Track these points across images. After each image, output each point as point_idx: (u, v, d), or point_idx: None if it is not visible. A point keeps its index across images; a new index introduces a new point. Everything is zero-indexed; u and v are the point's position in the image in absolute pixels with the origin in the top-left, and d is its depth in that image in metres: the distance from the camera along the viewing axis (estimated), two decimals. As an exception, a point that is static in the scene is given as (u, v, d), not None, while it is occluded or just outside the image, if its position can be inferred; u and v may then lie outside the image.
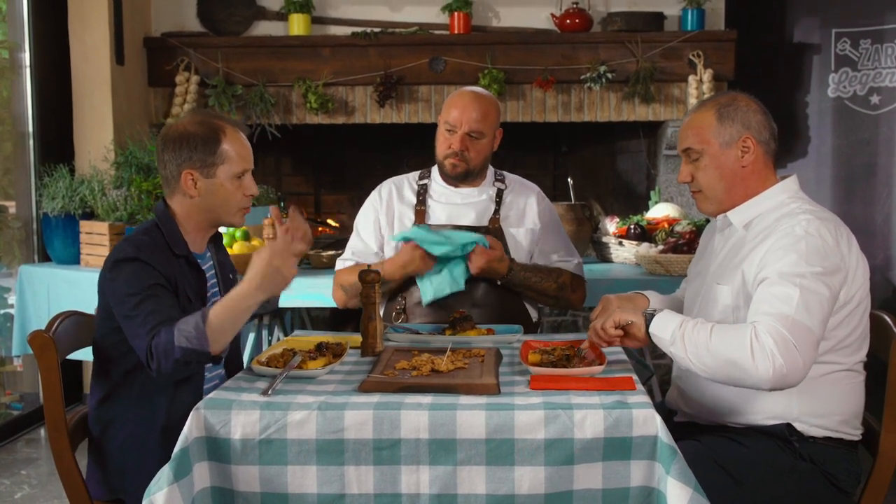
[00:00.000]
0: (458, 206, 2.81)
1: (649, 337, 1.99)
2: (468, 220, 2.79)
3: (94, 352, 2.20)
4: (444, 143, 2.77)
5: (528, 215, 2.84)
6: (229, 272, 2.38)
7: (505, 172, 2.92)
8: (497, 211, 2.81)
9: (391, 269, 2.67)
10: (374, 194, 2.91)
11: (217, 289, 2.31)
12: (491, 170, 2.89)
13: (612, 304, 2.20)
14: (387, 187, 2.90)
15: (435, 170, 2.88)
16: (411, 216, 2.82)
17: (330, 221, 5.12)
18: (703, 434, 2.04)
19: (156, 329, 1.96)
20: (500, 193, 2.84)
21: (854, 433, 2.07)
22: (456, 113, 2.73)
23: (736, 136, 2.09)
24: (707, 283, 2.18)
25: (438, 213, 2.81)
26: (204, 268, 2.26)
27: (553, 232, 2.88)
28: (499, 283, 2.72)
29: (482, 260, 2.62)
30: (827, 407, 2.01)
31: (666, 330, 1.94)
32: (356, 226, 2.91)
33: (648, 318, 1.99)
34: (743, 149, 2.09)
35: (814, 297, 1.88)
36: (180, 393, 2.09)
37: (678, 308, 2.41)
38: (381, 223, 2.85)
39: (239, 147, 2.19)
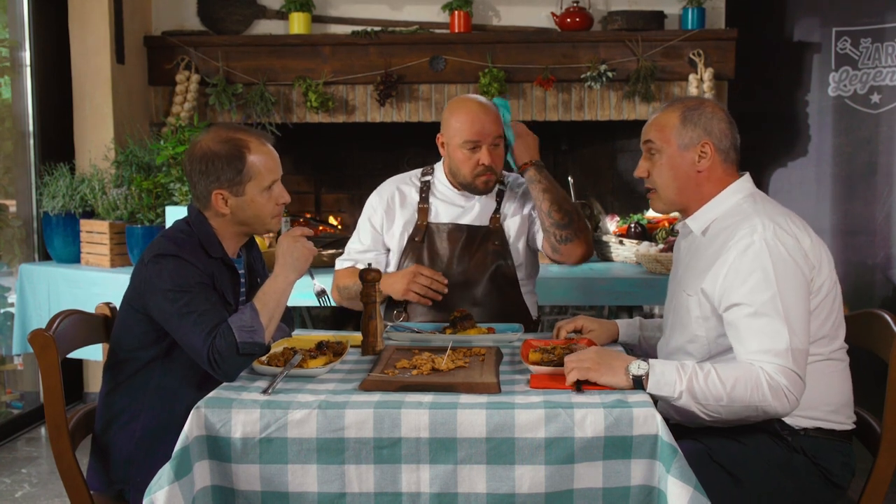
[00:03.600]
0: (461, 207, 2.80)
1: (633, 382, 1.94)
2: (470, 219, 2.79)
3: (113, 341, 2.22)
4: (471, 162, 2.69)
5: (525, 205, 2.83)
6: (258, 275, 2.39)
7: (504, 172, 2.92)
8: (497, 210, 2.81)
9: (391, 285, 2.69)
10: (374, 196, 2.90)
11: (244, 290, 2.32)
12: None
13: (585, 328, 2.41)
14: (388, 188, 2.89)
15: (438, 167, 2.87)
16: (413, 216, 2.82)
17: (331, 220, 5.12)
18: (699, 433, 2.04)
19: (213, 332, 1.99)
20: (500, 193, 2.84)
21: (846, 422, 2.07)
22: (476, 128, 2.66)
23: (696, 140, 2.11)
24: (678, 291, 2.19)
25: (441, 211, 2.81)
26: (239, 272, 2.29)
27: None
28: (528, 167, 2.71)
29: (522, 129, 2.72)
30: (812, 398, 2.01)
31: (669, 387, 1.91)
32: (357, 226, 2.91)
33: (637, 380, 1.91)
34: (700, 154, 2.11)
35: (794, 314, 1.92)
36: (207, 384, 2.08)
37: (649, 332, 2.46)
38: (381, 224, 2.85)
39: (265, 159, 2.19)
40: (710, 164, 2.12)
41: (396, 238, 2.81)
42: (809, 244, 2.02)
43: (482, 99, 2.77)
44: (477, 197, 2.80)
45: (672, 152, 2.13)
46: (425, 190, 2.84)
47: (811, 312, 2.00)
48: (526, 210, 2.83)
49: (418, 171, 2.91)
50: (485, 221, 2.79)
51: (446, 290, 2.68)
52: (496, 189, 2.83)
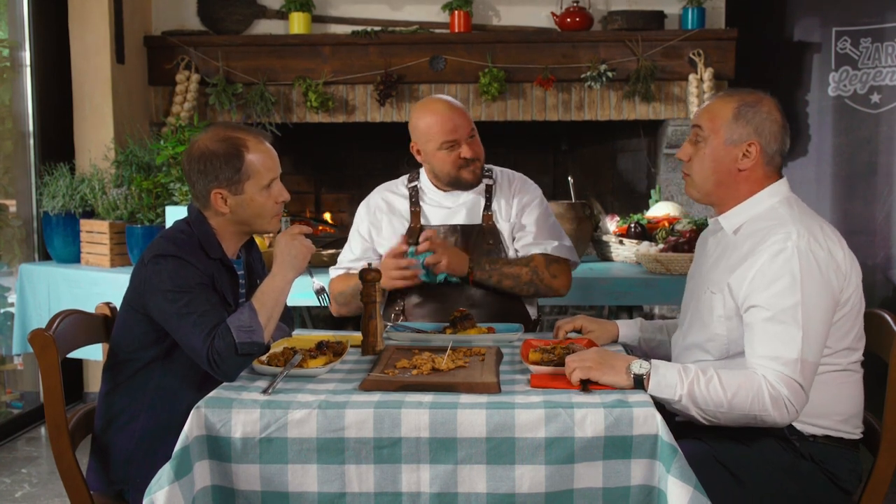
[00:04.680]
0: (449, 209, 2.81)
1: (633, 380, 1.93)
2: (461, 218, 2.79)
3: (113, 342, 2.22)
4: (452, 158, 2.70)
5: (513, 207, 2.82)
6: (257, 276, 2.38)
7: (492, 166, 2.89)
8: (488, 207, 2.81)
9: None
10: (361, 206, 2.92)
11: (244, 291, 2.32)
12: None
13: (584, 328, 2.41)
14: (375, 198, 2.90)
15: (422, 172, 2.87)
16: (403, 222, 2.82)
17: (327, 217, 5.12)
18: (705, 433, 2.04)
19: (212, 333, 1.99)
20: (489, 189, 2.83)
21: (854, 432, 2.07)
22: (449, 126, 2.67)
23: (744, 138, 2.08)
24: (701, 288, 2.18)
25: (432, 214, 2.81)
26: (238, 273, 2.28)
27: (530, 214, 2.82)
28: (471, 282, 2.68)
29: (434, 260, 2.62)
30: (825, 407, 2.01)
31: (669, 389, 1.91)
32: (348, 237, 2.94)
33: (638, 379, 1.91)
34: (745, 152, 2.09)
35: (812, 326, 1.92)
36: (207, 385, 2.08)
37: (649, 334, 2.45)
38: (368, 234, 2.86)
39: (263, 158, 2.19)
40: (753, 164, 2.09)
41: (387, 243, 2.81)
42: (842, 256, 2.00)
43: (445, 97, 2.77)
44: (464, 195, 2.80)
45: (717, 144, 2.10)
46: (414, 194, 2.84)
47: (836, 323, 1.99)
48: (514, 216, 2.81)
49: (405, 178, 2.91)
50: (476, 219, 2.79)
51: (421, 271, 2.64)
52: (483, 185, 2.83)
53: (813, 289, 1.93)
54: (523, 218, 2.81)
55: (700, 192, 2.16)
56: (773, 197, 2.11)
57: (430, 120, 2.69)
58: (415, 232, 2.78)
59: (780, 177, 2.15)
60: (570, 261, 2.83)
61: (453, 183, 2.77)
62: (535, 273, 2.72)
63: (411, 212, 2.82)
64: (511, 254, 2.79)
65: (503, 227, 2.80)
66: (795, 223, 2.00)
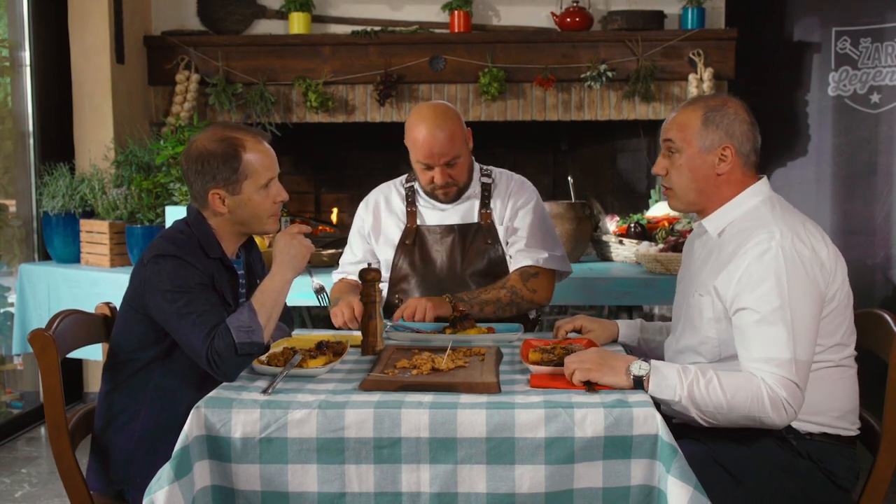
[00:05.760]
0: (443, 210, 2.81)
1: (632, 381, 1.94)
2: (457, 218, 2.79)
3: (113, 342, 2.23)
4: (426, 177, 2.71)
5: (507, 209, 2.81)
6: (257, 276, 2.38)
7: (492, 167, 2.88)
8: (486, 206, 2.81)
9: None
10: (361, 206, 2.92)
11: (244, 290, 2.32)
12: (476, 166, 2.85)
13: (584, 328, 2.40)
14: (373, 198, 2.91)
15: None
16: (400, 222, 2.82)
17: (332, 216, 5.12)
18: (703, 433, 2.04)
19: (212, 333, 1.99)
20: (486, 188, 2.83)
21: (851, 428, 2.08)
22: (425, 151, 2.64)
23: (717, 143, 2.09)
24: (689, 291, 2.18)
25: (429, 214, 2.81)
26: (238, 272, 2.29)
27: (523, 218, 2.80)
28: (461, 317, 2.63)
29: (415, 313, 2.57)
30: (821, 404, 2.02)
31: (669, 390, 1.91)
32: (349, 240, 2.94)
33: (638, 380, 1.92)
34: (721, 157, 2.09)
35: (801, 325, 1.92)
36: (207, 385, 2.08)
37: (649, 335, 2.45)
38: (369, 234, 2.87)
39: (261, 157, 2.19)
40: (731, 167, 2.09)
41: (385, 241, 2.82)
42: (826, 253, 2.00)
43: (440, 110, 2.69)
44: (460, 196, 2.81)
45: (692, 153, 2.10)
46: (411, 194, 2.84)
47: (824, 319, 1.99)
48: (507, 218, 2.81)
49: (402, 178, 2.92)
50: (473, 218, 2.79)
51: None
52: (480, 184, 2.82)
53: (799, 287, 1.93)
54: (516, 221, 2.80)
55: (683, 202, 2.17)
56: (755, 197, 2.11)
57: (414, 135, 2.66)
58: (411, 232, 2.79)
59: (760, 176, 2.15)
60: (555, 271, 2.81)
61: (429, 195, 2.78)
62: (514, 293, 2.72)
63: (407, 212, 2.83)
64: (506, 254, 2.79)
65: (501, 229, 2.80)
66: (778, 223, 2.01)
